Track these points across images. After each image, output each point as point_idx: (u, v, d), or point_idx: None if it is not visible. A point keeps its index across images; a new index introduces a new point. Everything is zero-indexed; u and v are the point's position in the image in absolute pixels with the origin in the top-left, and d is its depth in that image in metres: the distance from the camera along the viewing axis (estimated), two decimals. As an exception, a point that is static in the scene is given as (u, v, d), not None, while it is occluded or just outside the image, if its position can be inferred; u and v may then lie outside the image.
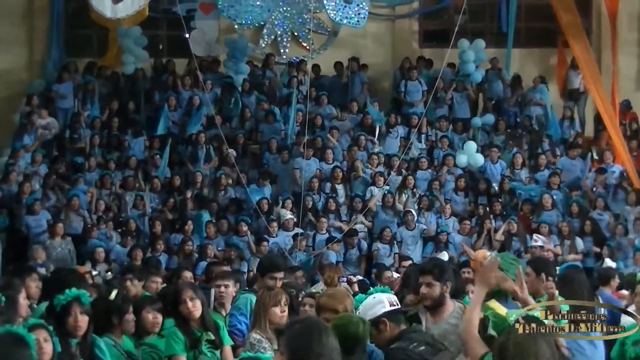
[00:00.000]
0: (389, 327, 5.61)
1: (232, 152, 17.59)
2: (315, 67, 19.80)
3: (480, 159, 17.91)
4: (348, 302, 5.95)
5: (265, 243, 15.51)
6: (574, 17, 18.65)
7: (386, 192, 16.85)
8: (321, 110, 18.85)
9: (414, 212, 16.44)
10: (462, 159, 17.86)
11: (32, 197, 16.21)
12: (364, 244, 16.29)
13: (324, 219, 16.38)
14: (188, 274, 10.58)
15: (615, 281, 10.48)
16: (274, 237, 15.95)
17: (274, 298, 6.56)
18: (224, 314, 7.73)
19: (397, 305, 5.75)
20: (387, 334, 5.60)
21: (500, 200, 17.24)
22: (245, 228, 16.01)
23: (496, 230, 16.40)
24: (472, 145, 18.06)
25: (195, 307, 6.70)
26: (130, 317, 6.87)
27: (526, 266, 7.30)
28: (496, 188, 17.71)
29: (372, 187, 17.04)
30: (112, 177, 17.23)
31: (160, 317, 7.00)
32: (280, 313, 6.49)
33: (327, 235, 16.14)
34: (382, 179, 17.02)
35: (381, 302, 5.66)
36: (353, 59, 19.90)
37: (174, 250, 15.75)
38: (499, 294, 7.49)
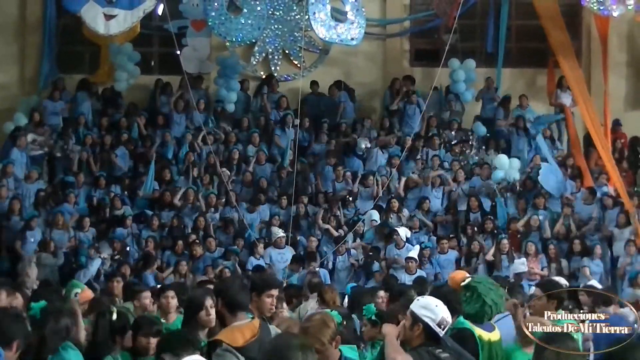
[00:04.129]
0: (420, 333, 5.72)
1: (226, 172, 17.59)
2: (314, 84, 19.88)
3: (516, 173, 17.88)
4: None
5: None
6: (564, 38, 18.68)
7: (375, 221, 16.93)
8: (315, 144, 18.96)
9: (400, 232, 16.37)
10: (498, 174, 17.78)
11: (30, 213, 16.26)
12: (353, 252, 16.41)
13: (312, 238, 16.50)
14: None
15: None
16: (257, 258, 15.93)
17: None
18: None
19: (443, 329, 5.77)
20: (416, 338, 5.73)
21: (491, 218, 17.24)
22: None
23: (484, 248, 16.47)
24: (504, 159, 17.95)
25: (212, 316, 6.59)
26: (129, 334, 6.95)
27: (535, 289, 7.50)
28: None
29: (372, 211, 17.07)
30: (101, 195, 17.29)
31: (154, 341, 6.86)
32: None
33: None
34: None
35: (434, 314, 5.73)
36: (338, 82, 19.92)
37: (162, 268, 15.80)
38: (473, 316, 7.46)
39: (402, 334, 5.81)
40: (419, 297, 5.97)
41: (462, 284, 7.66)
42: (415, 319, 5.75)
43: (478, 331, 7.27)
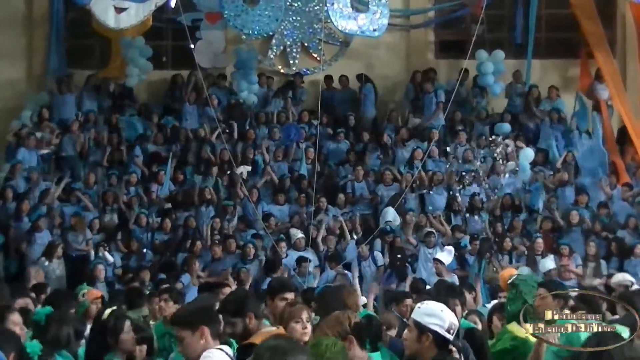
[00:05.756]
0: (430, 344, 5.26)
1: (244, 168, 17.16)
2: (328, 79, 19.20)
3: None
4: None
5: (281, 267, 14.89)
6: (596, 27, 18.31)
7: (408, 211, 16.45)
8: (336, 148, 18.48)
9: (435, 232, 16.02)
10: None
11: (37, 214, 15.79)
12: (379, 255, 15.83)
13: (331, 237, 16.10)
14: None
15: None
16: (283, 257, 15.48)
17: (294, 314, 6.33)
18: None
19: (452, 334, 5.29)
20: (427, 349, 5.27)
21: (520, 217, 16.84)
22: (253, 251, 15.46)
23: (516, 248, 16.00)
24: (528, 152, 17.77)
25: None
26: (127, 336, 6.64)
27: (538, 288, 7.17)
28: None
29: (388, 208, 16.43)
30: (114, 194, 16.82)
31: (142, 348, 6.73)
32: (301, 329, 6.25)
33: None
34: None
35: (441, 320, 5.26)
36: (360, 76, 19.42)
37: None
38: (515, 315, 7.07)
39: (408, 347, 5.38)
40: (419, 305, 5.44)
41: (509, 281, 7.54)
42: (422, 329, 5.26)
43: (519, 331, 7.05)
